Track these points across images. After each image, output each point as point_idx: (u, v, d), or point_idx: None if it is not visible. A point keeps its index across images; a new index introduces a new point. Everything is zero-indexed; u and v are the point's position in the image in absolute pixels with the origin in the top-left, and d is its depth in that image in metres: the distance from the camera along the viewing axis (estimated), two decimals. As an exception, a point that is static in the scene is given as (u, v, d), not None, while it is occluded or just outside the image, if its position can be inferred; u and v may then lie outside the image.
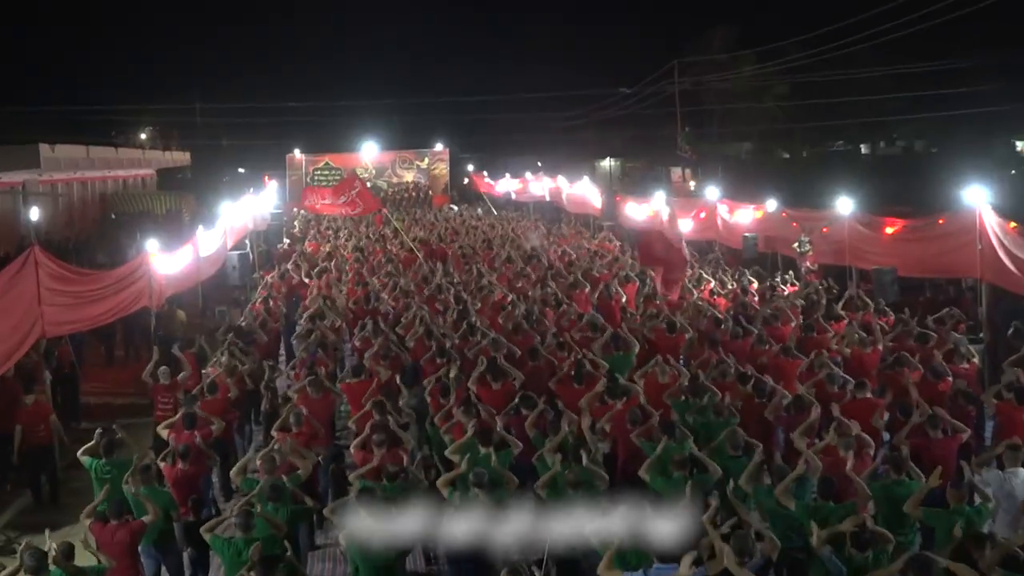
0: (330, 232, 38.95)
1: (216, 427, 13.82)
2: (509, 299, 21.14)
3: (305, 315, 21.10)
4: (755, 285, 23.16)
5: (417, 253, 30.03)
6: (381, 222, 45.01)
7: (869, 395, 13.82)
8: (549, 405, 13.98)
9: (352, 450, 13.01)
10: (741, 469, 11.27)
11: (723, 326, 18.31)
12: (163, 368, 16.31)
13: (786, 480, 10.62)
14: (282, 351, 22.14)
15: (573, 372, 15.32)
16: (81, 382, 20.56)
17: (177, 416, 14.12)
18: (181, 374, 16.43)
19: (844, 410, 13.00)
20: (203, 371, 17.58)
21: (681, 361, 17.36)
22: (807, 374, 15.14)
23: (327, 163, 67.99)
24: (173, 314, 23.33)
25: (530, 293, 22.74)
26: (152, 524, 11.06)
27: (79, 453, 12.85)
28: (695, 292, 22.50)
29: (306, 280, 25.77)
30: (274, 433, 13.30)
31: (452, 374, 15.54)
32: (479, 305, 21.32)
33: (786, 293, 22.40)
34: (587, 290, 22.89)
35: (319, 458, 13.37)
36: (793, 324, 18.58)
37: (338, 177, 66.36)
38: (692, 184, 61.98)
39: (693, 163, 66.59)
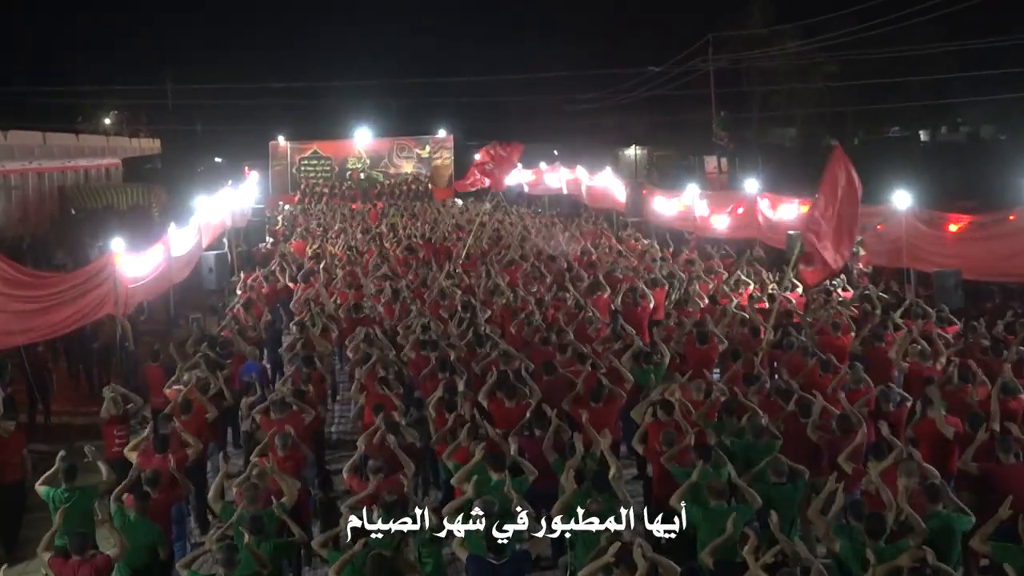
0: (319, 230, 38.88)
1: (193, 450, 13.84)
2: (529, 307, 21.17)
3: (293, 322, 21.15)
4: (799, 290, 23.09)
5: (417, 253, 30.07)
6: (376, 218, 45.10)
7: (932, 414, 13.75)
8: (567, 423, 13.99)
9: (344, 475, 13.00)
10: (785, 497, 11.27)
11: (764, 336, 18.31)
12: (111, 397, 15.84)
13: (831, 513, 10.63)
14: (266, 362, 22.19)
15: (589, 389, 15.30)
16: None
17: (144, 435, 14.09)
18: (130, 404, 16.12)
19: (912, 432, 12.99)
20: (174, 387, 17.53)
21: (716, 375, 17.37)
22: (857, 391, 15.11)
23: (315, 151, 68.08)
24: (103, 323, 22.56)
25: (545, 297, 22.77)
26: (125, 560, 11.02)
27: (37, 484, 12.68)
28: (732, 297, 22.46)
29: (291, 285, 25.73)
30: (254, 459, 13.28)
31: (460, 388, 15.55)
32: (488, 312, 21.33)
33: (842, 299, 22.31)
34: (607, 294, 22.91)
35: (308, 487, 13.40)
36: (853, 334, 18.55)
37: (327, 168, 66.62)
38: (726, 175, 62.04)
39: (730, 152, 66.40)
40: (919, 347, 16.75)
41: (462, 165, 70.51)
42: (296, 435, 13.85)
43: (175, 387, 16.66)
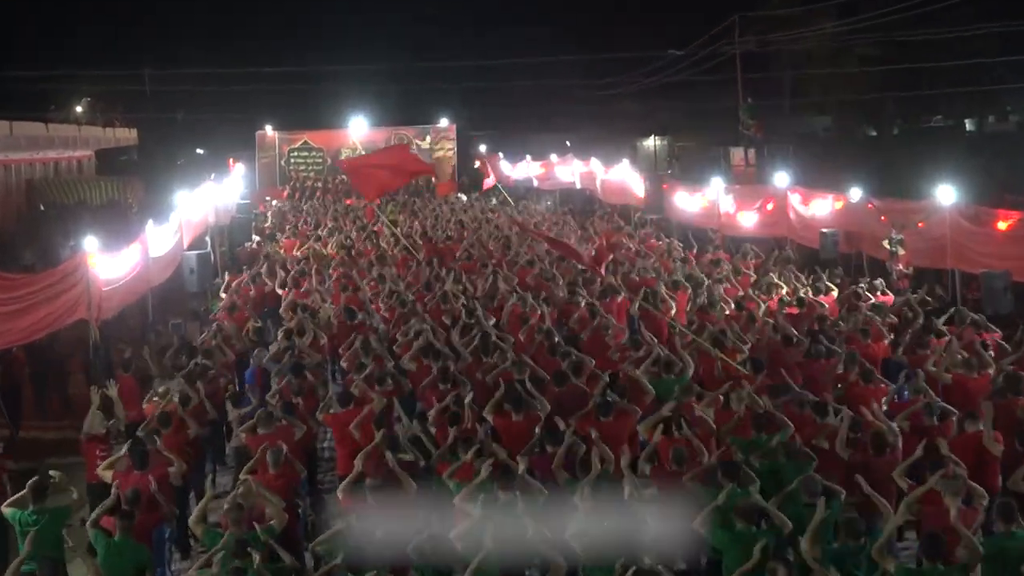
0: (310, 228, 38.92)
1: (175, 468, 13.87)
2: (539, 312, 21.19)
3: (281, 329, 21.15)
4: (835, 293, 23.06)
5: (416, 253, 30.06)
6: (372, 215, 45.07)
7: (982, 428, 13.75)
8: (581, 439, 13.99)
9: (339, 495, 13.01)
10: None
11: (796, 344, 18.32)
12: (94, 412, 15.78)
13: (886, 534, 10.64)
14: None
15: (597, 403, 15.31)
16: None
17: (122, 452, 14.08)
18: (112, 420, 16.05)
19: (951, 447, 12.97)
20: (152, 401, 17.54)
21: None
22: (899, 404, 15.11)
23: (306, 142, 68.08)
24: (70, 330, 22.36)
25: (556, 301, 22.83)
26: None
27: (4, 505, 12.69)
28: (762, 302, 22.43)
29: (280, 291, 25.61)
30: (245, 476, 13.30)
31: (467, 400, 15.55)
32: (493, 319, 21.36)
33: (873, 302, 22.24)
34: (621, 298, 22.94)
35: (298, 509, 13.41)
36: (886, 341, 18.53)
37: (319, 160, 66.63)
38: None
39: (758, 142, 66.24)
40: (962, 357, 16.74)
41: (466, 157, 70.53)
42: (288, 449, 13.89)
43: (154, 400, 16.70)
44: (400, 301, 22.77)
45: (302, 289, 24.92)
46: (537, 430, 14.20)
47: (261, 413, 15.26)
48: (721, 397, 15.58)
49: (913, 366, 17.12)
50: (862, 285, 23.03)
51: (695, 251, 30.53)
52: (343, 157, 65.76)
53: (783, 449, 13.42)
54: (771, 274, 24.91)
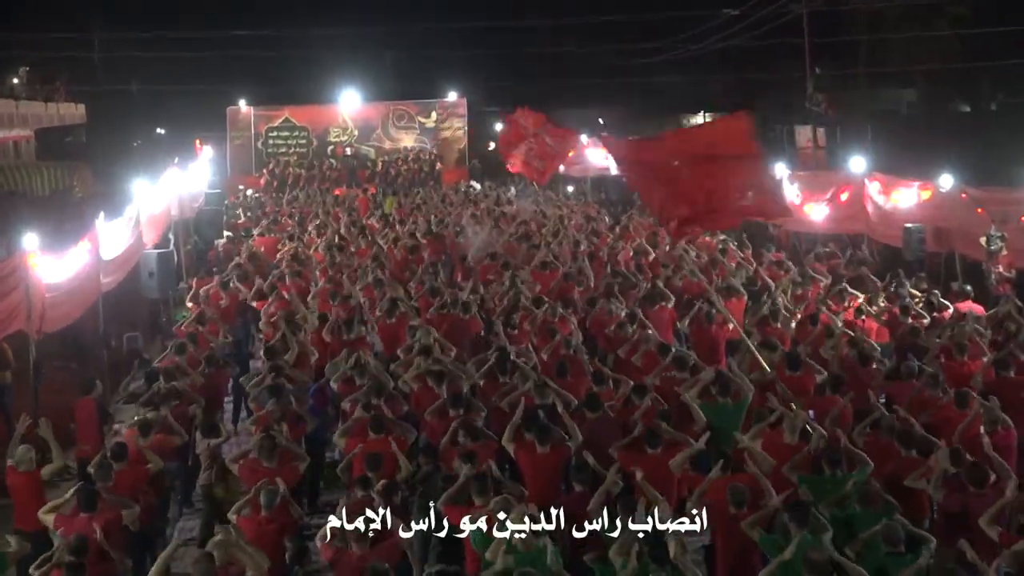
0: (293, 223, 38.85)
1: (128, 513, 13.83)
2: (569, 326, 21.18)
3: (261, 349, 21.14)
4: (950, 311, 22.84)
5: (421, 252, 30.06)
6: (367, 207, 45.07)
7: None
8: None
9: (317, 543, 13.04)
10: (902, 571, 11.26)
11: (875, 362, 18.28)
12: (23, 448, 15.49)
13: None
14: (229, 395, 22.23)
15: (644, 433, 15.28)
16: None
17: (70, 494, 14.05)
18: (50, 468, 15.83)
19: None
20: (108, 428, 17.56)
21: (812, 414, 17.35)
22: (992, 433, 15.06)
23: (287, 119, 68.08)
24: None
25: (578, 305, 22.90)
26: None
27: None
28: (835, 311, 22.37)
29: (254, 304, 25.55)
30: (232, 517, 13.28)
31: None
32: (516, 330, 21.39)
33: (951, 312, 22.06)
34: (669, 306, 22.92)
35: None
36: (986, 359, 18.48)
37: (303, 141, 66.59)
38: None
39: (829, 120, 66.26)
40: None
41: (479, 137, 70.34)
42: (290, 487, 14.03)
43: (115, 426, 16.75)
44: (400, 311, 22.78)
45: (284, 295, 24.90)
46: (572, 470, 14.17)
47: (263, 441, 15.24)
48: (785, 424, 15.50)
49: (1003, 390, 16.99)
50: (934, 295, 22.92)
51: (750, 251, 30.42)
52: (331, 139, 66.15)
53: (857, 494, 13.34)
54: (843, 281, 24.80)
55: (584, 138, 54.17)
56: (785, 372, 18.22)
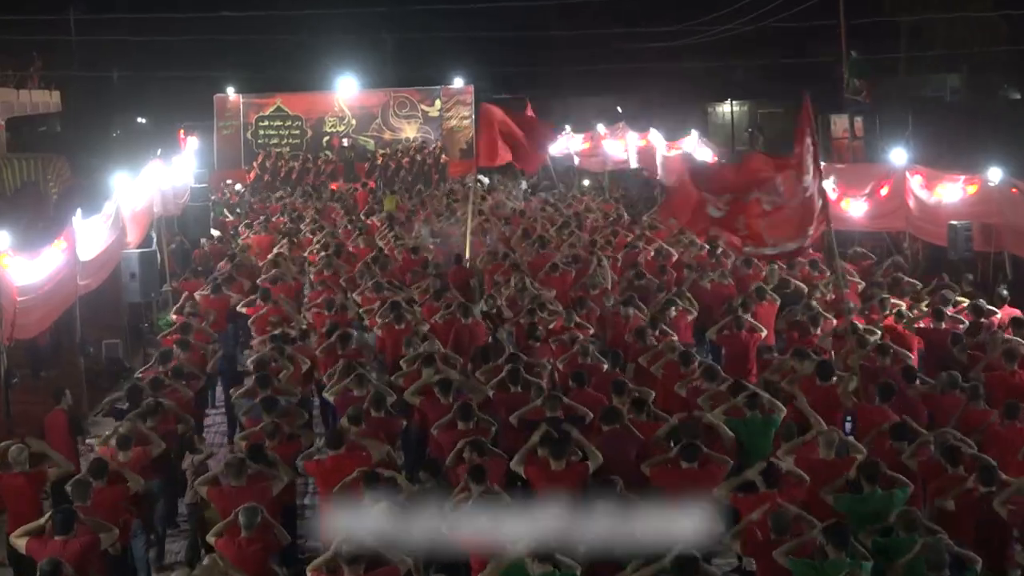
0: (284, 220, 38.87)
1: (107, 536, 13.85)
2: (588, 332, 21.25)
3: (250, 359, 21.12)
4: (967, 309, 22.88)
5: (425, 254, 30.09)
6: (364, 203, 45.10)
7: None
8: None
9: (309, 573, 13.07)
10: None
11: (916, 377, 18.33)
12: (15, 448, 15.75)
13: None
14: (218, 404, 22.26)
15: (681, 448, 15.27)
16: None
17: (45, 518, 14.05)
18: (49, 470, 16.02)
19: None
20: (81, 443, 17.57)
21: (847, 430, 17.40)
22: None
23: (279, 108, 68.11)
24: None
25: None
26: None
27: None
28: (874, 320, 22.39)
29: (243, 310, 25.51)
30: (211, 540, 13.32)
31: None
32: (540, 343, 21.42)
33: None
34: (693, 312, 23.02)
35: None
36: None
37: (296, 131, 66.49)
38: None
39: (867, 108, 66.17)
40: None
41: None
42: (264, 507, 13.94)
43: (88, 442, 16.77)
44: (402, 318, 22.74)
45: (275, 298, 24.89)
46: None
47: (230, 459, 15.28)
48: (820, 439, 15.53)
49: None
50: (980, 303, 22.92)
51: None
52: (327, 129, 66.18)
53: (901, 520, 13.32)
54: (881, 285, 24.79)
55: (601, 128, 54.29)
56: (816, 383, 18.26)
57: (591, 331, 21.64)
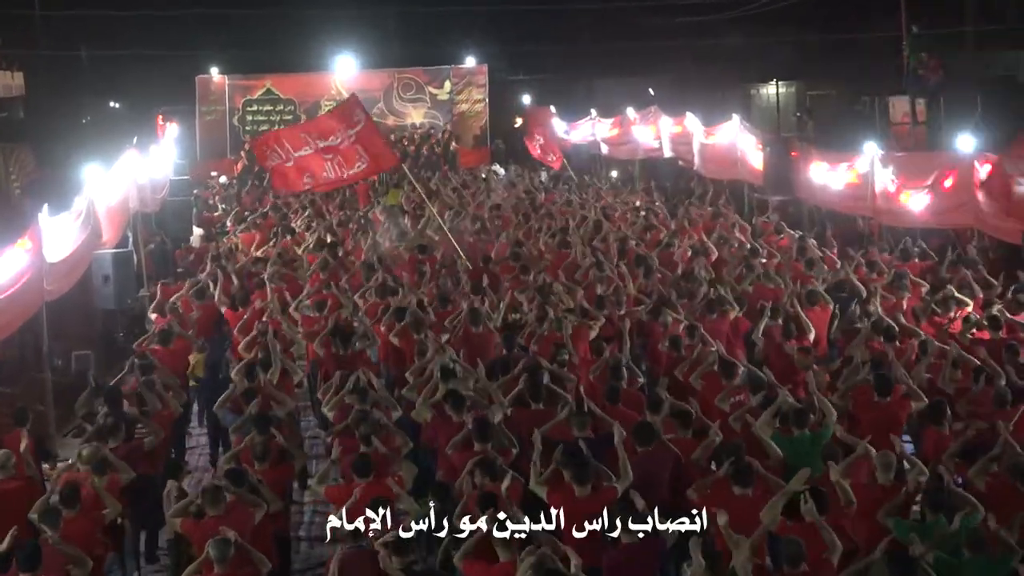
0: (276, 216, 38.87)
1: (79, 573, 13.88)
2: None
3: (236, 369, 21.12)
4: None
5: (433, 253, 30.12)
6: (366, 197, 45.15)
7: None
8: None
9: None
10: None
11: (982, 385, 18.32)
12: (3, 453, 16.06)
13: None
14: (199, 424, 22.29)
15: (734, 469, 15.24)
16: None
17: (5, 543, 14.07)
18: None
19: None
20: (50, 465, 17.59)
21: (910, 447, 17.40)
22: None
23: (269, 90, 68.27)
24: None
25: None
26: None
27: None
28: (938, 323, 22.36)
29: (228, 313, 25.58)
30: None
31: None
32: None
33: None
34: (732, 316, 22.99)
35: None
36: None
37: (289, 116, 66.44)
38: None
39: (932, 89, 66.16)
40: None
41: (502, 112, 70.08)
42: (245, 539, 13.93)
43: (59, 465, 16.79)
44: (410, 323, 22.75)
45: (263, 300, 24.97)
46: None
47: (207, 486, 15.27)
48: (877, 461, 15.47)
49: None
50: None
51: (835, 250, 30.37)
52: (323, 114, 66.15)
53: (968, 538, 13.30)
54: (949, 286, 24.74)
55: (631, 113, 54.19)
56: (874, 398, 18.22)
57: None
